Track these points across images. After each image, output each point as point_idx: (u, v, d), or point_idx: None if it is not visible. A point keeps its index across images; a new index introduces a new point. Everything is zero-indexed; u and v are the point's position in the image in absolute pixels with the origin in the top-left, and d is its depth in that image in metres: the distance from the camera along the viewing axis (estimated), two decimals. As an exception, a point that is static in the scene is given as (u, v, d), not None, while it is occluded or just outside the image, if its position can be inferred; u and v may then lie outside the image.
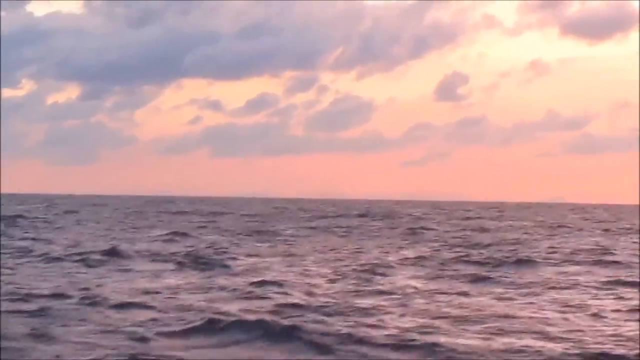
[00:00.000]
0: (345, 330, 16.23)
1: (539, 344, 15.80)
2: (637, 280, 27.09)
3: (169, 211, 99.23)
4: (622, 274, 29.42)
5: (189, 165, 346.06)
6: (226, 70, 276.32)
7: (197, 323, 16.82)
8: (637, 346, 15.82)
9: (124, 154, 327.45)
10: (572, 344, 15.97)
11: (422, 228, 63.45)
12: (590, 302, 22.16)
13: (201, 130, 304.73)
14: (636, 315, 19.67)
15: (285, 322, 16.82)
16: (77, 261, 30.63)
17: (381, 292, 23.13)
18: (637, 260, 35.01)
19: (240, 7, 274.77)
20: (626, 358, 14.86)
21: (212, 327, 16.53)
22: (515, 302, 21.87)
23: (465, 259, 34.61)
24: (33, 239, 42.50)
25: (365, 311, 19.36)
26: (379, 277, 27.11)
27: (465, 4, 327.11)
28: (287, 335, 15.77)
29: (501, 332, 17.00)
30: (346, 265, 30.81)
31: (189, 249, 36.86)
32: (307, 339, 15.47)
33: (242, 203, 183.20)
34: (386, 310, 19.74)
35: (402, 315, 19.04)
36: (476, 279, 27.02)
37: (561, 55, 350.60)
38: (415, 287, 24.51)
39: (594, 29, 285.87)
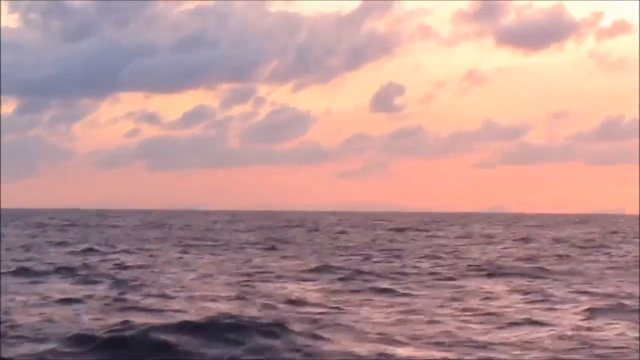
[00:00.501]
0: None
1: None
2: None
3: (102, 224, 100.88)
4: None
5: (126, 178, 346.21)
6: (163, 83, 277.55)
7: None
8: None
9: (61, 167, 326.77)
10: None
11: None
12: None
13: (138, 143, 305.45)
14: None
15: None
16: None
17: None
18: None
19: (176, 20, 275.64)
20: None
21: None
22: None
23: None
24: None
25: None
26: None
27: (401, 14, 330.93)
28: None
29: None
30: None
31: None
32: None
33: (178, 215, 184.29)
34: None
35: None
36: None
37: (497, 65, 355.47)
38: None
39: (530, 38, 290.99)
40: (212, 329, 17.32)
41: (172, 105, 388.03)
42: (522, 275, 34.49)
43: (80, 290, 26.84)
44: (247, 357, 15.80)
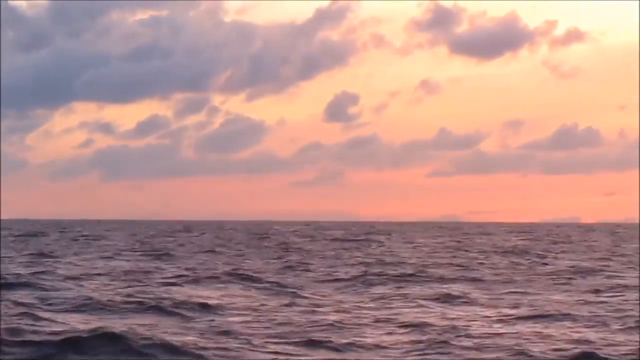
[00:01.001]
0: None
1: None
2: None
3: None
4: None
5: (80, 189, 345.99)
6: (116, 92, 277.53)
7: None
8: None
9: (15, 178, 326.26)
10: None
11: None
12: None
13: (92, 154, 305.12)
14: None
15: None
16: None
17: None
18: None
19: (130, 30, 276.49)
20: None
21: None
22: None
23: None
24: None
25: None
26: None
27: (355, 24, 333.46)
28: None
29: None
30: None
31: None
32: None
33: (129, 225, 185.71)
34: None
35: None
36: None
37: (451, 74, 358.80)
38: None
39: (484, 47, 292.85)
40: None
41: (126, 115, 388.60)
42: (411, 281, 36.81)
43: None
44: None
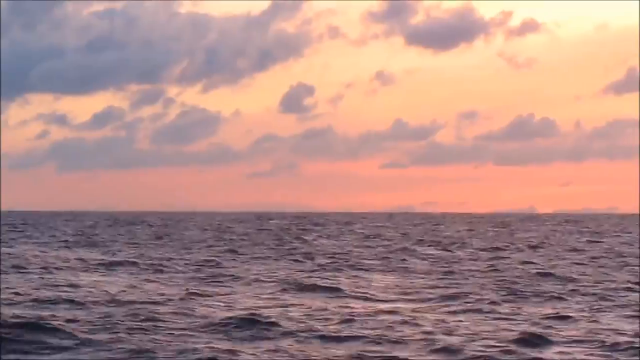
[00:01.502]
0: None
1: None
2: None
3: None
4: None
5: (35, 180, 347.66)
6: (72, 84, 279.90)
7: None
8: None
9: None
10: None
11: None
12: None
13: (48, 145, 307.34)
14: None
15: None
16: None
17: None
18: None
19: (85, 22, 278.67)
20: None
21: None
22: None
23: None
24: None
25: None
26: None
27: (310, 15, 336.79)
28: None
29: None
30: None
31: None
32: None
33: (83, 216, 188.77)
34: None
35: None
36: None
37: (407, 65, 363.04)
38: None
39: (439, 38, 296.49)
40: None
41: (82, 107, 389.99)
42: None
43: None
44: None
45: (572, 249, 58.62)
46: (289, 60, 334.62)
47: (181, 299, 27.17)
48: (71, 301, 26.23)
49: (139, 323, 22.03)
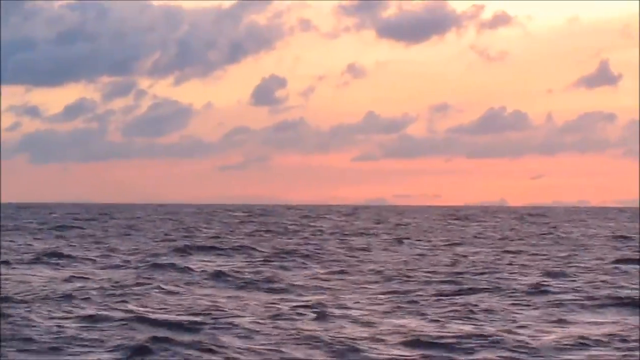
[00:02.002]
0: None
1: None
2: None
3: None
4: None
5: (7, 172, 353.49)
6: (43, 76, 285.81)
7: None
8: None
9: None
10: None
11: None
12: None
13: (19, 137, 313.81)
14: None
15: None
16: None
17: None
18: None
19: (56, 13, 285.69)
20: None
21: None
22: None
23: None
24: None
25: None
26: None
27: (281, 8, 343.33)
28: None
29: None
30: None
31: None
32: None
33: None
34: None
35: None
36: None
37: (379, 58, 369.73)
38: None
39: (411, 31, 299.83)
40: None
41: (54, 99, 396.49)
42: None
43: None
44: None
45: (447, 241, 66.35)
46: (260, 53, 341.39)
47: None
48: None
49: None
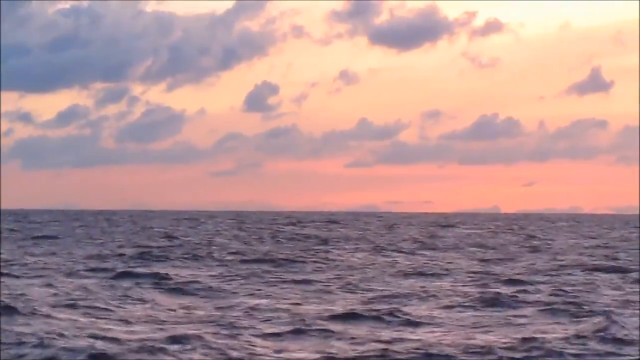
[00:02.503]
0: None
1: None
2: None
3: None
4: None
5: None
6: (37, 82, 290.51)
7: None
8: None
9: None
10: None
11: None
12: None
13: (12, 143, 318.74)
14: None
15: None
16: None
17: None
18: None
19: (50, 20, 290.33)
20: None
21: None
22: None
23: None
24: None
25: None
26: None
27: (274, 14, 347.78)
28: None
29: None
30: None
31: None
32: None
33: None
34: None
35: None
36: None
37: (371, 64, 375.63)
38: None
39: (403, 38, 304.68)
40: None
41: (47, 105, 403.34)
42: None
43: None
44: None
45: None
46: (253, 60, 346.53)
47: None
48: None
49: None
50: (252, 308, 29.27)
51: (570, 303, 30.48)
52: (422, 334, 24.56)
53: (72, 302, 30.10)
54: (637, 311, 28.61)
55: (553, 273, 43.61)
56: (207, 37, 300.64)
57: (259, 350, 21.90)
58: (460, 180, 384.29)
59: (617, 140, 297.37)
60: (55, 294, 32.36)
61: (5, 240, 70.15)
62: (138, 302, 31.27)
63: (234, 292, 34.32)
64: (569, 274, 43.16)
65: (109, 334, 23.37)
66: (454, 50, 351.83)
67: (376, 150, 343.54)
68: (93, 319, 26.43)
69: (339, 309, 29.21)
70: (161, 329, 24.69)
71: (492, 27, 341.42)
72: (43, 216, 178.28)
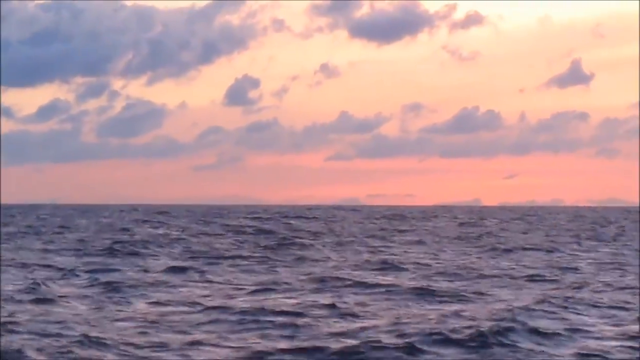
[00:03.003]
0: None
1: None
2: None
3: None
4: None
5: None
6: (17, 77, 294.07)
7: None
8: None
9: None
10: None
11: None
12: None
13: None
14: None
15: None
16: None
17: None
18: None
19: (31, 14, 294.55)
20: None
21: None
22: None
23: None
24: None
25: None
26: None
27: (255, 8, 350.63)
28: None
29: None
30: None
31: None
32: None
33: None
34: None
35: None
36: None
37: (351, 58, 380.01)
38: None
39: (383, 31, 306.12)
40: None
41: (27, 99, 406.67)
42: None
43: None
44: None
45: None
46: (234, 53, 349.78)
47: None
48: None
49: None
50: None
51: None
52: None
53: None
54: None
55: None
56: (188, 31, 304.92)
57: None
58: (441, 173, 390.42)
59: (598, 132, 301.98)
60: None
61: None
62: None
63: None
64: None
65: None
66: (434, 44, 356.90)
67: (357, 143, 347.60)
68: None
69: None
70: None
71: (473, 20, 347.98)
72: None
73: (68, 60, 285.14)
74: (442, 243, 66.89)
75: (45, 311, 27.57)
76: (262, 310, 27.34)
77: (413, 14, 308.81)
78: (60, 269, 41.64)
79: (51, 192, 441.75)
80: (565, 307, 28.34)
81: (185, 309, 28.69)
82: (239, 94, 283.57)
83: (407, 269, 43.15)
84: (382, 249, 59.64)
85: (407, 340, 22.18)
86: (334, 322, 25.75)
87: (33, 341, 22.27)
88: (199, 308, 28.68)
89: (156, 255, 51.90)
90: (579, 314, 27.58)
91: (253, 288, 34.53)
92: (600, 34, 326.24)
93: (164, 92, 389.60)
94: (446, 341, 22.37)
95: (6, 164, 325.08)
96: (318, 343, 22.26)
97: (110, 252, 53.30)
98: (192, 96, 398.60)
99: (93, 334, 23.12)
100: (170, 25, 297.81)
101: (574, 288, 34.54)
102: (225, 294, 32.74)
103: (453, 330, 23.34)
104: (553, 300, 29.40)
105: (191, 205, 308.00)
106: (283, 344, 22.24)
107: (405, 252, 56.71)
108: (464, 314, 26.88)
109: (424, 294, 32.36)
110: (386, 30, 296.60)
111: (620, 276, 40.27)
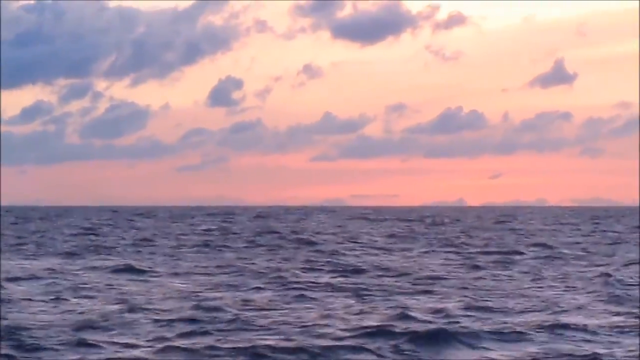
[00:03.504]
0: None
1: None
2: None
3: None
4: None
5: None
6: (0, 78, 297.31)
7: None
8: None
9: None
10: None
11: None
12: None
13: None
14: None
15: None
16: None
17: None
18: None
19: (13, 15, 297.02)
20: None
21: None
22: None
23: None
24: None
25: None
26: None
27: (238, 8, 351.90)
28: None
29: None
30: None
31: None
32: None
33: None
34: None
35: None
36: None
37: (334, 58, 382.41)
38: None
39: (366, 31, 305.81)
40: None
41: (10, 101, 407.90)
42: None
43: None
44: None
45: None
46: (217, 54, 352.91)
47: None
48: None
49: None
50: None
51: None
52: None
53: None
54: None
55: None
56: (171, 32, 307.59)
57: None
58: (425, 173, 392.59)
59: (581, 132, 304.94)
60: None
61: None
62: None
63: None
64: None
65: None
66: (417, 44, 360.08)
67: (341, 144, 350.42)
68: None
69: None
70: None
71: (455, 20, 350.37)
72: None
73: (51, 61, 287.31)
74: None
75: None
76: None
77: (396, 15, 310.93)
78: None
79: (35, 194, 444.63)
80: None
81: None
82: (222, 94, 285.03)
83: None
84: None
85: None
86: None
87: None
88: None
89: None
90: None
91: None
92: (583, 33, 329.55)
93: (147, 93, 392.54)
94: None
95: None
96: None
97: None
98: (176, 97, 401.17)
99: None
100: (153, 26, 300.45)
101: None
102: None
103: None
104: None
105: (175, 206, 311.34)
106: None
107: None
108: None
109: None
110: (369, 30, 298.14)
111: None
